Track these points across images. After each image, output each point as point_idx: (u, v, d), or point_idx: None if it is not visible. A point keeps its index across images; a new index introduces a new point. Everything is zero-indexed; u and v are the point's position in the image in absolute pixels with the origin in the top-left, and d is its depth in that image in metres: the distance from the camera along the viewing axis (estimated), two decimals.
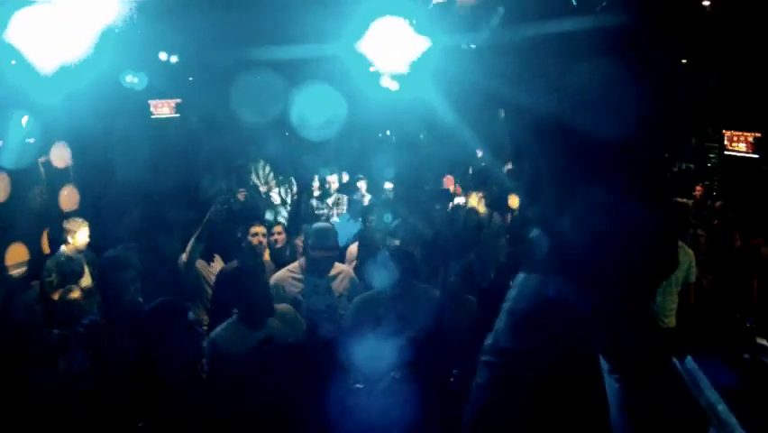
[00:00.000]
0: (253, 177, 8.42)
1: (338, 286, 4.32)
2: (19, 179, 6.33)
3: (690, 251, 5.37)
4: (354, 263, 5.17)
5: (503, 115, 2.44)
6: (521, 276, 2.35)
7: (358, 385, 3.39)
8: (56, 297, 4.36)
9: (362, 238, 5.49)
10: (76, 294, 4.25)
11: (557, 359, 2.35)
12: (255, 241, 4.97)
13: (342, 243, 5.57)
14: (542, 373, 2.36)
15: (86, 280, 4.77)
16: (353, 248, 5.53)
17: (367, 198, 7.94)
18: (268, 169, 8.52)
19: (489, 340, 2.38)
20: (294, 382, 3.21)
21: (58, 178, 7.04)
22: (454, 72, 2.39)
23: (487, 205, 6.89)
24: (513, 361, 2.29)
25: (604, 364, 2.49)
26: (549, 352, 2.32)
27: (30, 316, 4.02)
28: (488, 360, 2.35)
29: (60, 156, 7.52)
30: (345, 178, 8.98)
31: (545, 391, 2.45)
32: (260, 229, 5.09)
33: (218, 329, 3.58)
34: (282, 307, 3.78)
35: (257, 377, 3.22)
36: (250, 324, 3.51)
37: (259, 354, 3.32)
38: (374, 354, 3.49)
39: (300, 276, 4.36)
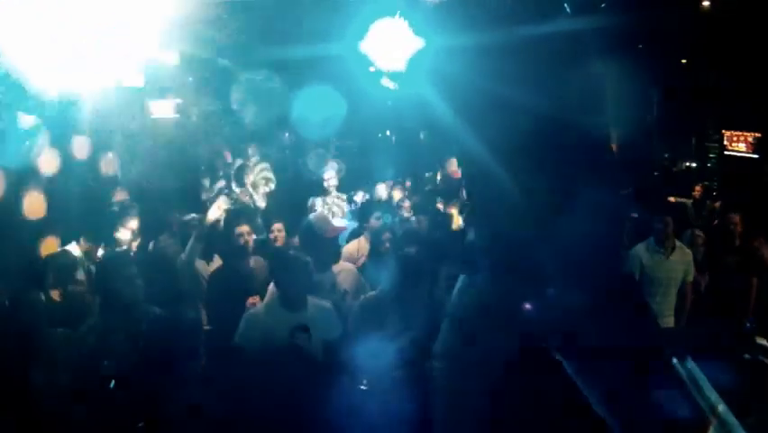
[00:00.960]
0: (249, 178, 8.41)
1: (342, 282, 4.30)
2: (18, 179, 6.31)
3: (689, 250, 5.39)
4: (360, 261, 5.15)
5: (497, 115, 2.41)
6: (462, 280, 2.31)
7: (363, 386, 3.39)
8: (55, 295, 4.36)
9: (372, 238, 5.47)
10: (75, 291, 4.25)
11: (505, 363, 2.29)
12: (241, 241, 4.66)
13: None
14: (489, 378, 2.30)
15: (82, 277, 4.75)
16: (350, 247, 5.50)
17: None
18: (259, 168, 8.48)
19: (436, 347, 2.35)
20: (300, 380, 3.23)
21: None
22: (450, 72, 2.36)
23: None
24: (458, 367, 2.26)
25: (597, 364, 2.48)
26: (495, 356, 2.26)
27: (34, 315, 4.02)
28: (435, 366, 2.33)
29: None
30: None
31: (496, 395, 2.39)
32: (245, 228, 4.73)
33: (256, 307, 3.69)
34: (323, 302, 3.81)
35: (281, 362, 3.26)
36: (288, 305, 3.58)
37: (290, 338, 3.38)
38: (377, 355, 3.50)
39: None
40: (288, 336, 3.38)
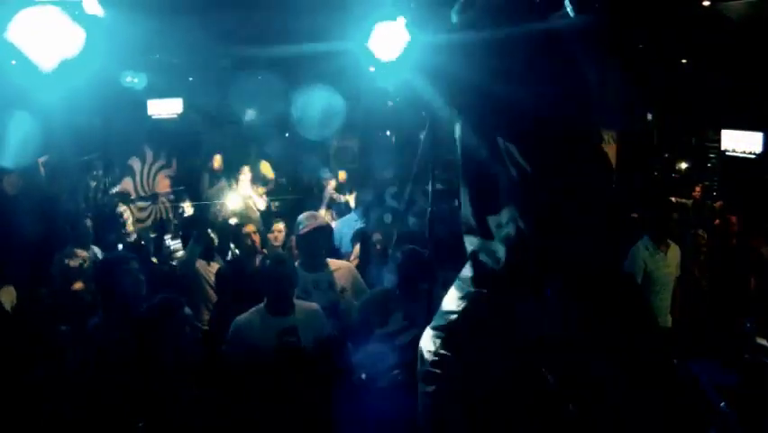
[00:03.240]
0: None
1: (339, 280, 4.19)
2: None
3: (677, 246, 5.36)
4: (356, 261, 5.14)
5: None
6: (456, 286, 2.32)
7: (362, 376, 3.39)
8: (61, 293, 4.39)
9: (363, 238, 5.47)
10: (77, 288, 4.28)
11: (500, 369, 2.30)
12: (248, 241, 5.30)
13: (336, 242, 5.59)
14: (484, 384, 2.31)
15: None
16: (358, 248, 5.49)
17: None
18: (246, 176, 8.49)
19: (430, 348, 2.33)
20: (300, 379, 3.23)
21: None
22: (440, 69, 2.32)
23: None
24: (453, 371, 2.26)
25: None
26: (489, 362, 2.27)
27: (41, 312, 4.03)
28: (429, 370, 2.31)
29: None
30: (342, 177, 8.98)
31: (491, 401, 2.36)
32: (251, 228, 5.42)
33: (244, 314, 3.66)
34: (310, 304, 3.79)
35: (273, 365, 3.26)
36: (274, 310, 3.58)
37: (278, 342, 3.38)
38: (379, 352, 3.50)
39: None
40: (276, 339, 3.38)
